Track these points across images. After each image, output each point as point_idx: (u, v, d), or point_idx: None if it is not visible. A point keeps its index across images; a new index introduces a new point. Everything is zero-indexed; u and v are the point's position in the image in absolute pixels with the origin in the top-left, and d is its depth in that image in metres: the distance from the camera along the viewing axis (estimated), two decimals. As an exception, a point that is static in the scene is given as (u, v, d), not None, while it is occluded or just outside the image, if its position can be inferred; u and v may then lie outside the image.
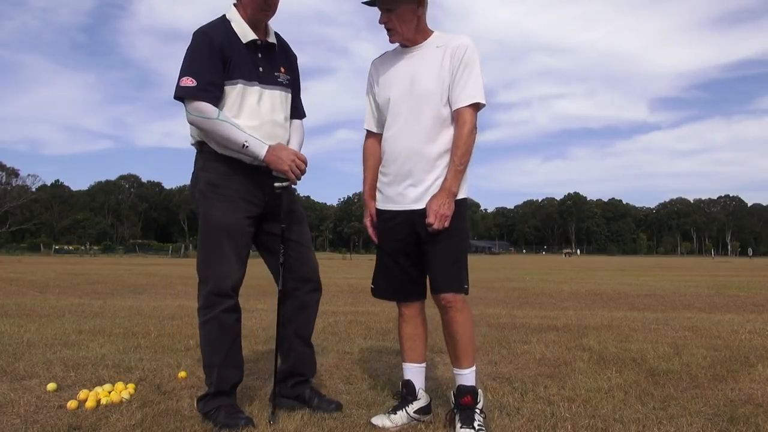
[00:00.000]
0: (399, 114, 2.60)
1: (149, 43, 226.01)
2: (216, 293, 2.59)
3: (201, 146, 2.68)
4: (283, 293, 2.72)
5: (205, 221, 2.63)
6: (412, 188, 2.57)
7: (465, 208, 2.63)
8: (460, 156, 2.52)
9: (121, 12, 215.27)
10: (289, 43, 2.90)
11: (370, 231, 2.77)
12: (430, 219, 2.48)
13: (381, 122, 2.73)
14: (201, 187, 2.66)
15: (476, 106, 2.55)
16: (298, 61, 2.92)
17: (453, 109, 2.55)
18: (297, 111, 2.88)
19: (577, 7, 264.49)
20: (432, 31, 2.65)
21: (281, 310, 2.74)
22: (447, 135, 2.56)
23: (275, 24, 2.80)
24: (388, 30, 2.60)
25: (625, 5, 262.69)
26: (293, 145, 2.78)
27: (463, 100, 2.53)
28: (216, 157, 2.63)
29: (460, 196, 2.58)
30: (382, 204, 2.70)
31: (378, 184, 2.73)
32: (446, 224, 2.49)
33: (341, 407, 2.78)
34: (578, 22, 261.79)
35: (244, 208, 2.63)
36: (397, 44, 2.69)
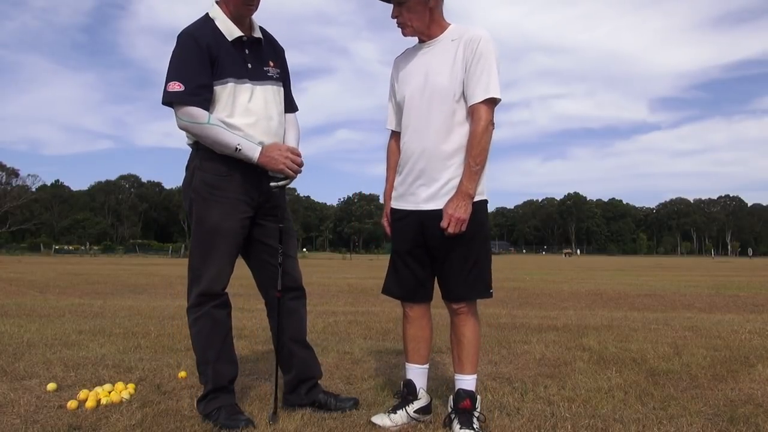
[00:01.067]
0: (412, 111, 2.57)
1: (149, 43, 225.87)
2: (208, 294, 2.59)
3: (197, 145, 2.64)
4: (280, 293, 2.71)
5: (200, 222, 2.60)
6: (423, 188, 2.54)
7: (484, 210, 2.58)
8: (475, 156, 2.44)
9: (121, 12, 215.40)
10: (275, 37, 2.86)
11: (387, 230, 2.76)
12: (444, 223, 2.42)
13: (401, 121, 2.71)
14: (197, 187, 2.61)
15: (492, 102, 2.47)
16: (286, 55, 2.88)
17: (468, 105, 2.48)
18: (290, 105, 2.85)
19: (577, 7, 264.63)
20: (449, 24, 2.61)
21: (280, 312, 2.73)
22: (460, 133, 2.49)
23: (274, 23, 2.79)
24: (400, 24, 2.57)
25: (625, 5, 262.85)
26: (290, 141, 2.76)
27: (477, 96, 2.45)
28: (213, 156, 2.58)
29: (479, 197, 2.53)
30: (395, 203, 2.68)
31: (394, 182, 2.71)
32: (462, 228, 2.43)
33: (358, 403, 2.83)
34: (578, 22, 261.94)
35: (241, 209, 2.61)
36: (415, 40, 2.65)
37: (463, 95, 2.49)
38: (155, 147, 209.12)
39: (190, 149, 2.70)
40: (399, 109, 2.68)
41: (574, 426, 2.56)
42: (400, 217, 2.64)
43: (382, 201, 2.83)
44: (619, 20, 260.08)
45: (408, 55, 2.69)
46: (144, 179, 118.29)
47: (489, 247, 2.64)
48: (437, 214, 2.48)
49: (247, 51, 2.66)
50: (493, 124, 2.48)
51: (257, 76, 2.66)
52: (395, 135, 2.76)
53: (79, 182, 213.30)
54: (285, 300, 2.75)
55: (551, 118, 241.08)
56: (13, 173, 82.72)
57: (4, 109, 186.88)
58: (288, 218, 2.80)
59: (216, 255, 2.59)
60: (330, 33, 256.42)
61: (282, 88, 2.78)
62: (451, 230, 2.42)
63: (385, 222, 2.78)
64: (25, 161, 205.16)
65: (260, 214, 2.70)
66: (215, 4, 2.66)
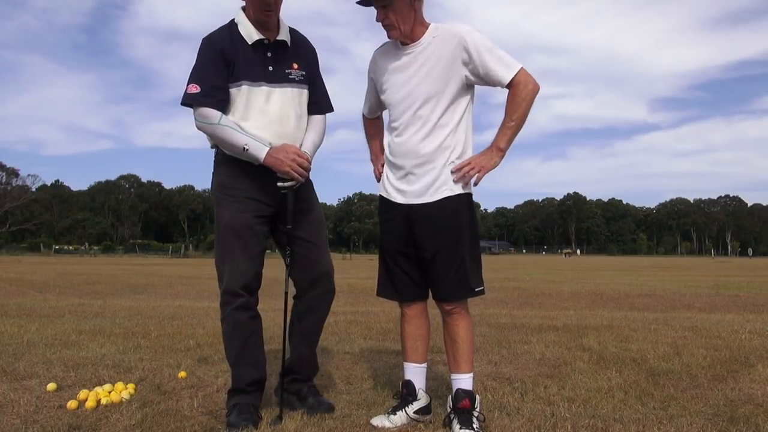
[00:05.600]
0: (397, 113, 2.60)
1: (149, 43, 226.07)
2: (228, 292, 2.64)
3: (215, 148, 2.74)
4: (288, 294, 2.73)
5: (216, 222, 2.70)
6: (411, 184, 2.57)
7: (468, 205, 2.60)
8: (511, 112, 2.52)
9: (121, 12, 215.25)
10: (307, 38, 2.87)
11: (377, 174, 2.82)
12: (467, 168, 2.52)
13: (378, 109, 2.84)
14: (213, 188, 2.74)
15: (522, 72, 2.52)
16: (317, 56, 2.89)
17: (504, 86, 2.53)
18: (317, 106, 2.85)
19: (576, 7, 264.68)
20: (429, 23, 2.63)
21: (286, 311, 2.76)
22: (441, 134, 2.54)
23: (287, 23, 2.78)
24: (386, 26, 2.57)
25: (625, 5, 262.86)
26: (306, 144, 2.76)
27: (506, 77, 2.50)
28: (225, 159, 2.67)
29: (464, 190, 2.57)
30: (385, 194, 2.70)
31: (383, 176, 2.74)
32: (480, 176, 2.52)
33: (332, 409, 2.75)
34: (578, 22, 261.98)
35: (253, 207, 2.64)
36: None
37: (488, 82, 2.55)
38: (155, 147, 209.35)
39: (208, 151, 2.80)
40: (377, 101, 2.80)
41: (574, 426, 2.56)
42: (388, 217, 2.66)
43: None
44: (619, 20, 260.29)
45: (390, 52, 2.69)
46: (144, 179, 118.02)
47: (477, 245, 2.66)
48: (425, 209, 2.53)
49: (269, 54, 2.68)
50: (536, 84, 2.54)
51: (277, 78, 2.68)
52: (369, 120, 2.91)
53: (79, 182, 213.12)
54: (311, 295, 2.80)
55: (551, 118, 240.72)
56: (13, 173, 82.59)
57: (4, 109, 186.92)
58: (315, 209, 2.85)
59: (230, 253, 2.64)
60: (330, 33, 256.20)
61: (305, 91, 2.78)
62: (472, 173, 2.52)
63: (376, 172, 2.84)
64: (25, 161, 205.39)
65: (280, 214, 2.73)
66: (240, 10, 2.70)
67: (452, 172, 2.53)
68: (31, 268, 22.12)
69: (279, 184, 2.64)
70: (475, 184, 2.56)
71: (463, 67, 2.52)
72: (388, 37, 2.63)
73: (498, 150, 2.54)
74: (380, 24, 2.58)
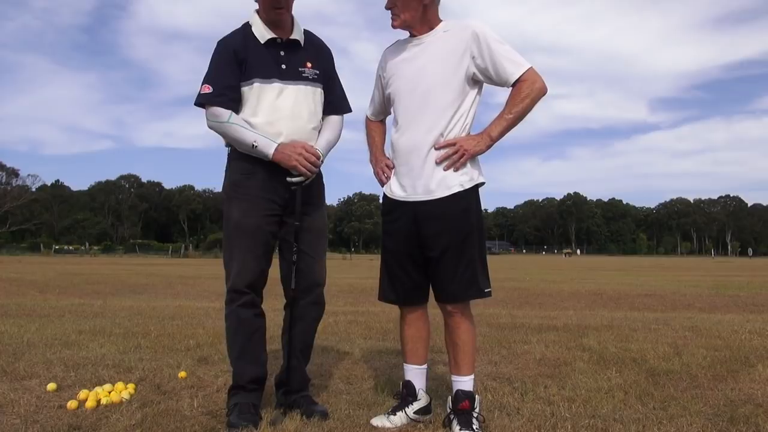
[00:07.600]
0: (403, 106, 2.58)
1: (149, 43, 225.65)
2: (234, 290, 2.65)
3: (229, 146, 2.76)
4: (295, 292, 2.71)
5: (226, 220, 2.71)
6: (418, 181, 2.54)
7: (477, 201, 2.58)
8: (511, 106, 2.50)
9: (121, 12, 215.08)
10: (323, 40, 2.89)
11: (379, 173, 2.73)
12: (450, 150, 2.47)
13: (382, 113, 2.80)
14: (225, 186, 2.75)
15: (530, 70, 2.50)
16: (333, 57, 2.90)
17: (510, 86, 2.51)
18: (334, 106, 2.85)
19: (577, 7, 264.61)
20: (441, 21, 2.62)
21: (292, 310, 2.74)
22: (454, 125, 2.52)
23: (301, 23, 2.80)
24: (393, 15, 2.57)
25: (625, 5, 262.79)
26: (319, 141, 2.76)
27: (514, 74, 2.48)
28: (239, 156, 2.69)
29: (470, 183, 2.53)
30: (390, 193, 2.66)
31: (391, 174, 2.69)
32: (462, 160, 2.48)
33: (326, 415, 2.65)
34: (578, 22, 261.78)
35: (263, 207, 2.65)
36: (406, 33, 2.65)
37: (497, 81, 2.53)
38: (155, 147, 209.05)
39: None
40: (383, 102, 2.76)
41: (574, 426, 2.56)
42: (394, 218, 2.63)
43: (381, 201, 2.82)
44: (619, 20, 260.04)
45: (399, 47, 2.68)
46: (144, 179, 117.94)
47: (485, 245, 2.64)
48: (433, 206, 2.50)
49: (282, 52, 2.71)
50: (544, 85, 2.52)
51: (290, 76, 2.69)
52: (372, 122, 2.86)
53: (79, 182, 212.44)
54: (300, 302, 2.76)
55: (551, 118, 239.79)
56: (13, 173, 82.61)
57: (4, 109, 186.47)
58: (319, 217, 2.82)
59: (238, 252, 2.64)
60: (330, 33, 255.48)
61: (319, 89, 2.78)
62: (456, 157, 2.47)
63: (378, 170, 2.73)
64: (25, 161, 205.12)
65: (287, 213, 2.72)
66: (254, 12, 2.74)
67: (435, 149, 2.50)
68: (31, 268, 22.11)
69: (288, 179, 2.65)
70: (456, 169, 2.51)
71: (471, 60, 2.50)
72: (391, 25, 2.60)
73: (489, 138, 2.51)
74: (387, 19, 2.58)
